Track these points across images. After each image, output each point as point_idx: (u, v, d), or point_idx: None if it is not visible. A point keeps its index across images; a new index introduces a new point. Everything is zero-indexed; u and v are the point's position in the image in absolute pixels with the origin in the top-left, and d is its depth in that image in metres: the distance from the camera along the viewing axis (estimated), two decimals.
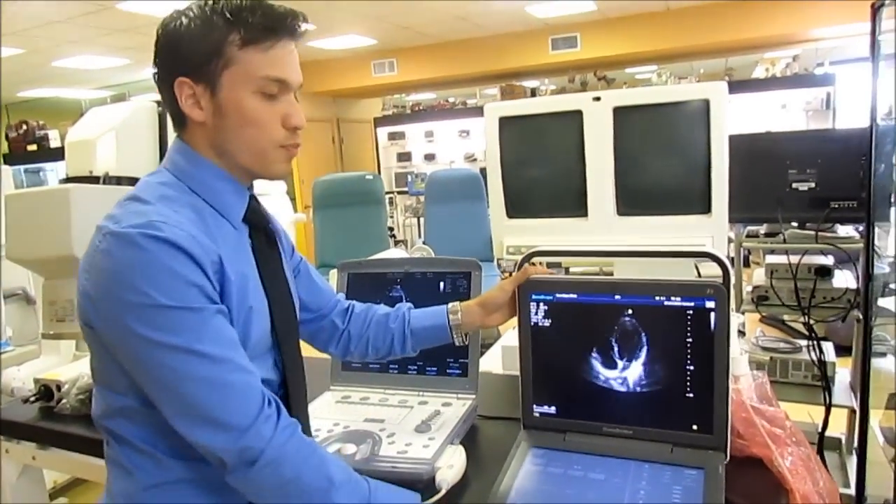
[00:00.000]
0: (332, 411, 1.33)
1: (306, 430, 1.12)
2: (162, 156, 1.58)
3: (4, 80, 7.81)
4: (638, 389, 1.09)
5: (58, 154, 6.13)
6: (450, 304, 1.25)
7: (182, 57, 0.97)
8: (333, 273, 2.10)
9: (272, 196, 6.20)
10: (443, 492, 1.04)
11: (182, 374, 0.87)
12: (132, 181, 1.54)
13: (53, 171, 7.79)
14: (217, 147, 1.00)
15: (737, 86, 6.82)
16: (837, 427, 1.30)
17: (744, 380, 1.12)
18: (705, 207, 1.56)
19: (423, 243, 5.31)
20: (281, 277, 1.10)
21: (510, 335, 1.94)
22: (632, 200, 1.67)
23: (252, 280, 1.01)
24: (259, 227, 1.07)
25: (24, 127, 7.98)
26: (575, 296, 1.13)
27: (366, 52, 8.30)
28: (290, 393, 1.07)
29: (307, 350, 1.82)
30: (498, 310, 1.24)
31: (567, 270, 3.15)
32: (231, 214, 1.02)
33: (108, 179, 1.50)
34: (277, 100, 1.00)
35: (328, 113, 9.84)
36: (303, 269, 1.29)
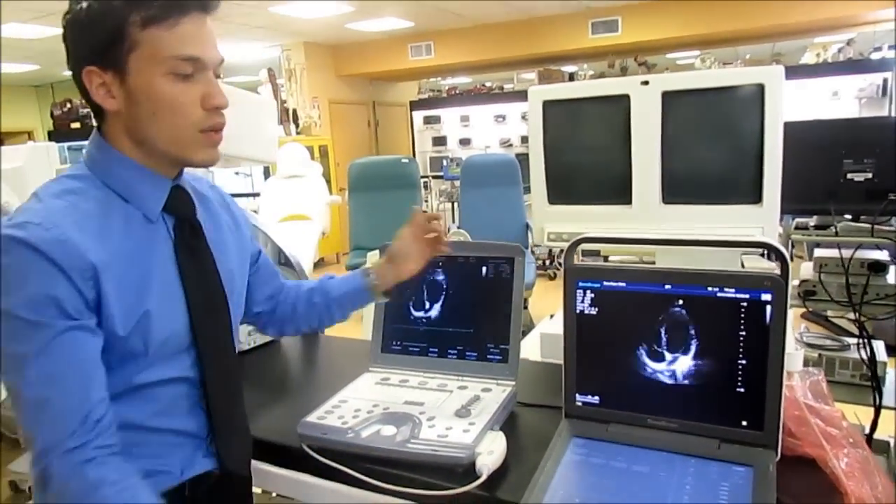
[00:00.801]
0: (371, 392, 1.33)
1: (238, 427, 1.12)
2: None
3: (49, 60, 7.95)
4: (685, 382, 1.06)
5: None
6: (362, 268, 1.30)
7: (85, 45, 0.93)
8: (372, 255, 2.11)
9: (308, 178, 6.25)
10: (483, 477, 1.03)
11: (14, 384, 0.88)
12: None
13: None
14: (134, 136, 0.97)
15: (786, 72, 6.62)
16: (886, 430, 1.25)
17: (798, 377, 1.09)
18: (756, 197, 1.51)
19: (458, 228, 5.30)
20: (206, 272, 1.06)
21: (547, 323, 1.92)
22: (678, 188, 1.62)
23: (157, 278, 0.98)
24: (183, 218, 1.04)
25: (69, 105, 8.16)
26: (623, 284, 1.11)
27: (403, 34, 8.27)
28: (210, 392, 1.05)
29: (344, 331, 1.84)
30: (407, 259, 1.26)
31: (606, 259, 3.10)
32: (145, 206, 0.99)
33: None
34: (193, 80, 0.95)
35: (364, 96, 9.85)
36: (262, 261, 1.28)
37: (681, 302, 1.06)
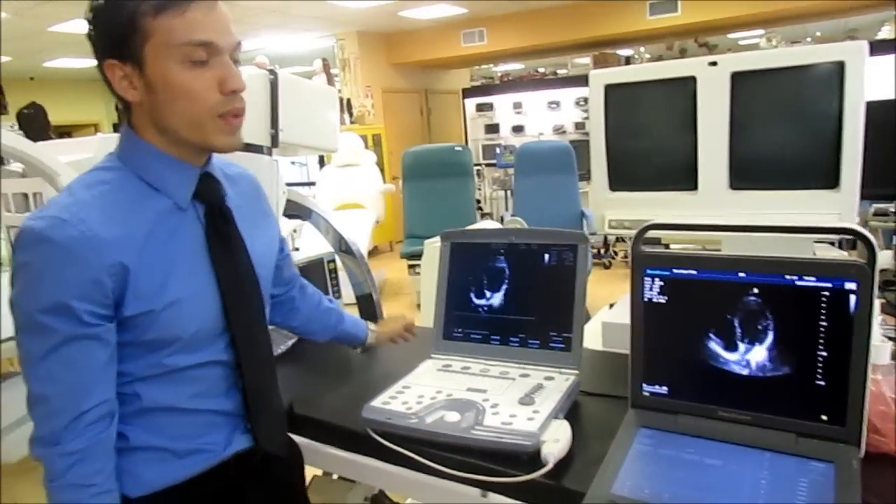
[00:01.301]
0: (434, 379, 1.33)
1: (272, 406, 1.16)
2: (273, 123, 1.61)
3: None
4: (759, 373, 1.02)
5: None
6: (368, 324, 1.53)
7: (105, 39, 0.96)
8: (429, 242, 2.11)
9: (363, 166, 6.31)
10: (549, 466, 1.02)
11: (25, 374, 0.94)
12: (247, 147, 1.58)
13: None
14: (157, 125, 0.99)
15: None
16: None
17: (884, 370, 1.04)
18: (832, 181, 1.45)
19: (512, 216, 5.26)
20: (237, 257, 1.08)
21: (607, 312, 1.89)
22: (747, 173, 1.57)
23: (188, 265, 1.01)
24: (213, 205, 1.06)
25: None
26: (694, 272, 1.07)
27: (455, 21, 8.23)
28: (245, 374, 1.08)
29: None
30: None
31: (667, 247, 3.03)
32: (175, 195, 1.01)
33: None
34: (209, 65, 0.96)
35: (416, 84, 9.85)
36: (284, 247, 1.35)
37: (756, 290, 1.02)
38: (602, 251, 6.70)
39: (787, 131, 1.53)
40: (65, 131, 9.58)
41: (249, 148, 1.60)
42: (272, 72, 1.63)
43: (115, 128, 9.03)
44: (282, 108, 1.65)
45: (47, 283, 0.90)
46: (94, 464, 0.95)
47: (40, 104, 5.43)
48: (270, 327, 1.75)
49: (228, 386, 1.09)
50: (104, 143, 2.92)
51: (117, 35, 0.94)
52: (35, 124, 5.47)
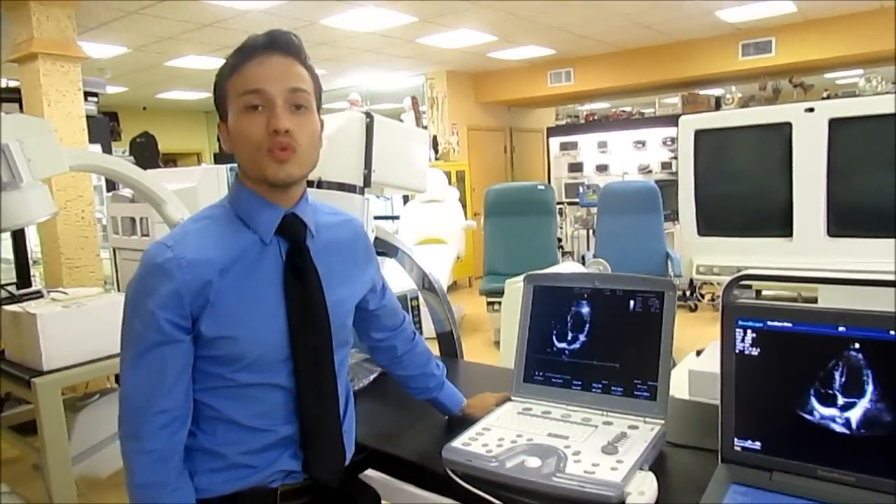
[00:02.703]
0: (514, 422, 1.33)
1: (328, 437, 1.21)
2: (367, 164, 1.68)
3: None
4: (862, 431, 0.97)
5: None
6: (463, 402, 1.48)
7: (216, 105, 1.15)
8: (513, 281, 2.12)
9: (446, 202, 6.41)
10: None
11: (121, 375, 1.09)
12: (340, 186, 1.65)
13: None
14: (241, 169, 1.15)
15: None
16: None
17: None
18: None
19: (594, 256, 5.20)
20: (309, 291, 1.16)
21: (694, 359, 1.84)
22: (846, 220, 1.52)
23: (263, 293, 1.12)
24: (293, 241, 1.17)
25: None
26: (789, 324, 1.04)
27: (542, 61, 8.30)
28: (305, 401, 1.16)
29: (482, 356, 1.85)
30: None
31: (759, 293, 2.92)
32: (261, 230, 1.13)
33: (320, 184, 1.63)
34: (261, 111, 1.09)
35: (501, 122, 9.95)
36: (388, 299, 1.43)
37: (857, 345, 0.98)
38: (688, 293, 6.50)
39: (888, 178, 1.46)
40: (170, 159, 10.22)
41: (343, 187, 1.66)
42: (368, 114, 1.70)
43: (216, 157, 9.54)
44: (375, 149, 1.71)
45: (142, 296, 1.06)
46: (169, 462, 1.08)
47: (151, 133, 5.82)
48: (355, 360, 1.80)
49: (289, 412, 1.16)
50: (206, 174, 3.11)
51: (218, 101, 1.14)
52: (146, 152, 5.86)
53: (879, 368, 0.97)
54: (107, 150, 4.68)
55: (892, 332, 0.95)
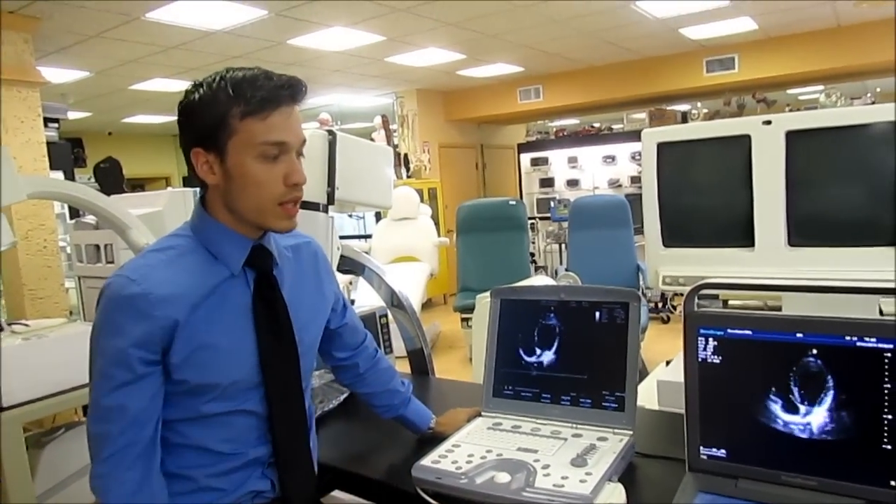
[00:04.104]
0: (484, 438, 1.32)
1: (300, 459, 1.22)
2: (330, 181, 1.68)
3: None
4: (823, 437, 0.99)
5: None
6: (432, 419, 1.46)
7: (195, 130, 1.09)
8: (481, 297, 2.12)
9: (418, 220, 6.41)
10: None
11: (89, 411, 1.06)
12: (304, 204, 1.64)
13: None
14: (228, 205, 1.12)
15: None
16: None
17: None
18: (893, 238, 1.41)
19: (566, 270, 5.23)
20: (278, 320, 1.17)
21: (663, 370, 1.85)
22: (806, 230, 1.54)
23: (233, 324, 1.12)
24: (262, 273, 1.17)
25: None
26: (749, 332, 1.05)
27: (512, 79, 8.39)
28: (277, 425, 1.17)
29: (453, 373, 1.85)
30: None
31: (725, 303, 2.96)
32: (229, 262, 1.13)
33: None
34: (278, 160, 1.09)
35: (472, 139, 10.02)
36: (349, 317, 1.44)
37: (815, 352, 0.99)
38: (660, 306, 6.56)
39: (845, 188, 1.50)
40: (138, 184, 10.07)
41: (306, 205, 1.65)
42: (331, 132, 1.70)
43: (185, 181, 9.43)
44: (339, 167, 1.71)
45: (110, 334, 1.04)
46: (152, 486, 1.06)
47: (116, 159, 5.73)
48: (325, 382, 1.78)
49: (259, 435, 1.17)
50: (173, 198, 3.07)
51: (207, 128, 1.08)
52: (110, 178, 5.76)
53: (837, 374, 0.98)
54: (69, 176, 4.60)
55: (848, 338, 0.97)
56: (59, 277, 4.23)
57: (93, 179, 5.79)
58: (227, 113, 1.06)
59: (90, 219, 3.18)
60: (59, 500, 2.55)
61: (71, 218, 4.32)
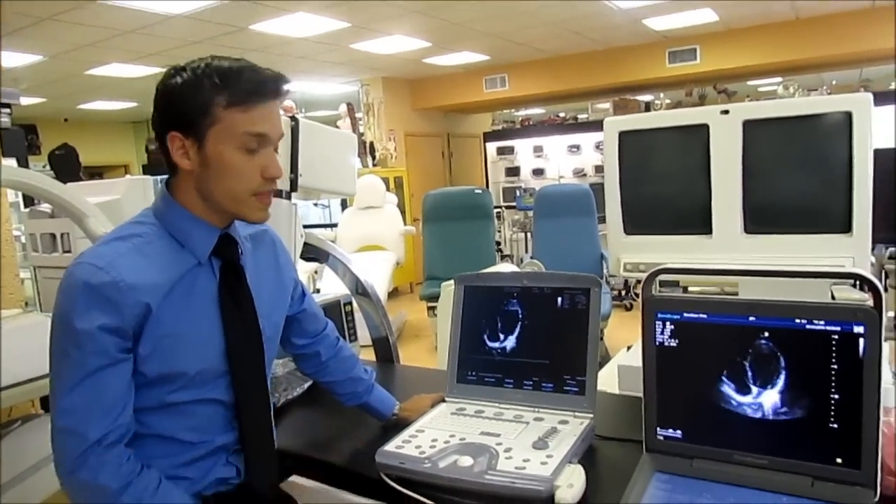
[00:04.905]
0: (447, 423, 1.33)
1: (265, 446, 1.23)
2: (293, 168, 1.66)
3: (146, 98, 8.46)
4: (773, 417, 1.02)
5: None
6: (396, 406, 1.46)
7: (174, 114, 1.08)
8: (446, 285, 2.13)
9: (384, 208, 6.39)
10: None
11: (54, 401, 1.03)
12: None
13: None
14: (201, 192, 1.12)
15: (874, 98, 6.32)
16: None
17: None
18: (845, 226, 1.45)
19: (532, 258, 5.27)
20: (244, 309, 1.18)
21: (624, 354, 1.88)
22: (761, 218, 1.58)
23: (200, 313, 1.11)
24: (228, 262, 1.17)
25: None
26: (705, 316, 1.08)
27: (478, 67, 8.40)
28: (243, 412, 1.18)
29: (419, 360, 1.86)
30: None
31: (686, 290, 3.02)
32: (196, 251, 1.13)
33: None
34: (257, 153, 1.10)
35: (438, 128, 10.01)
36: (307, 303, 1.44)
37: (766, 334, 1.03)
38: (623, 293, 6.66)
39: (798, 177, 1.54)
40: (96, 172, 9.83)
41: None
42: (293, 118, 1.69)
43: (145, 169, 9.24)
44: (301, 153, 1.70)
45: (78, 319, 1.01)
46: (142, 477, 1.05)
47: (72, 146, 5.59)
48: (288, 370, 1.78)
49: (226, 423, 1.18)
50: (132, 185, 3.00)
51: (188, 114, 1.07)
52: (66, 166, 5.62)
53: (788, 355, 1.01)
54: (23, 163, 4.47)
55: (798, 321, 1.00)
56: (14, 268, 4.10)
57: (48, 167, 5.64)
58: (212, 101, 1.05)
59: (45, 207, 3.09)
60: (17, 493, 2.50)
61: (25, 206, 4.20)
